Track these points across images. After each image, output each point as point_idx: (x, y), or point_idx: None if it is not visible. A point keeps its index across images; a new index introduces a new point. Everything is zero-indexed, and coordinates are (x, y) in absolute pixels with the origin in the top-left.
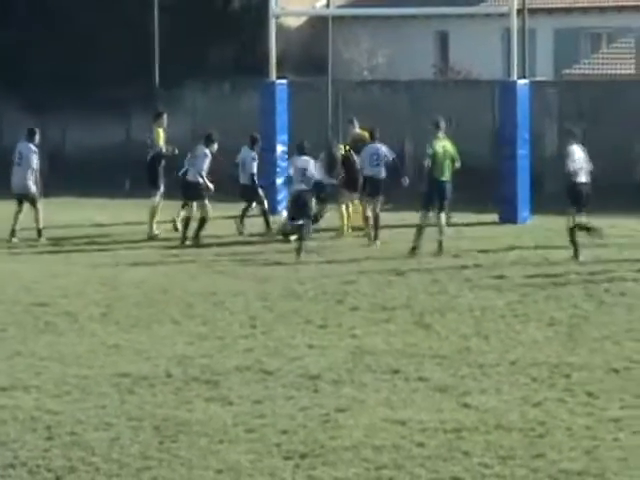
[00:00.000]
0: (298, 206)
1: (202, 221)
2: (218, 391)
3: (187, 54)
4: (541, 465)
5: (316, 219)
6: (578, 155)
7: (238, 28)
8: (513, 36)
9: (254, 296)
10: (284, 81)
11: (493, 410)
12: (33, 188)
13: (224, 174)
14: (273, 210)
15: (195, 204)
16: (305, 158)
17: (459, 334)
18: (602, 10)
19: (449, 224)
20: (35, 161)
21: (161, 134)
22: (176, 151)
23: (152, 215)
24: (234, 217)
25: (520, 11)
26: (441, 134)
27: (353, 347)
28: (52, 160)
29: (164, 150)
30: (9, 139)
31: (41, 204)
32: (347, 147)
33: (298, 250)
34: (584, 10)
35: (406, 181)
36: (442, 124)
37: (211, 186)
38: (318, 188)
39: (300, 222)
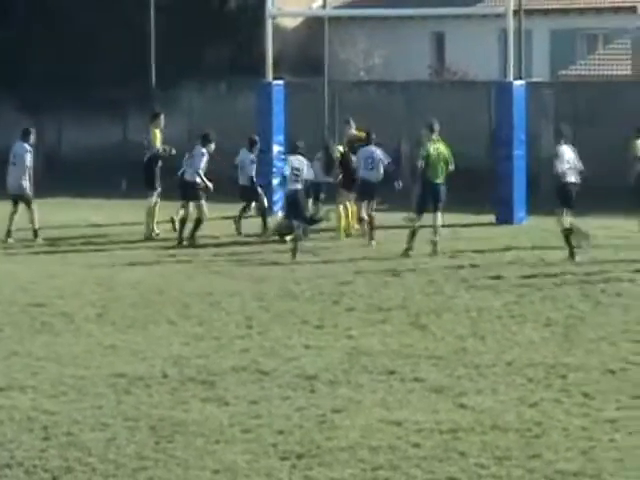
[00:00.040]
0: (293, 205)
1: (198, 221)
2: (214, 391)
3: (183, 54)
4: (537, 466)
5: (314, 220)
6: (568, 155)
7: (234, 29)
8: (509, 37)
9: (250, 296)
10: (280, 82)
11: (489, 411)
12: (28, 189)
13: (222, 174)
14: (269, 210)
15: (192, 204)
16: (299, 158)
17: (455, 335)
18: (598, 11)
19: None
20: (29, 160)
21: (158, 135)
22: (173, 151)
23: (149, 215)
24: (233, 217)
25: (516, 12)
26: (435, 136)
27: (349, 348)
28: (48, 160)
29: (161, 151)
30: (5, 140)
31: (36, 205)
32: (344, 147)
33: (294, 251)
34: (580, 11)
35: (399, 185)
36: (436, 126)
37: (210, 185)
38: (316, 188)
39: (296, 222)
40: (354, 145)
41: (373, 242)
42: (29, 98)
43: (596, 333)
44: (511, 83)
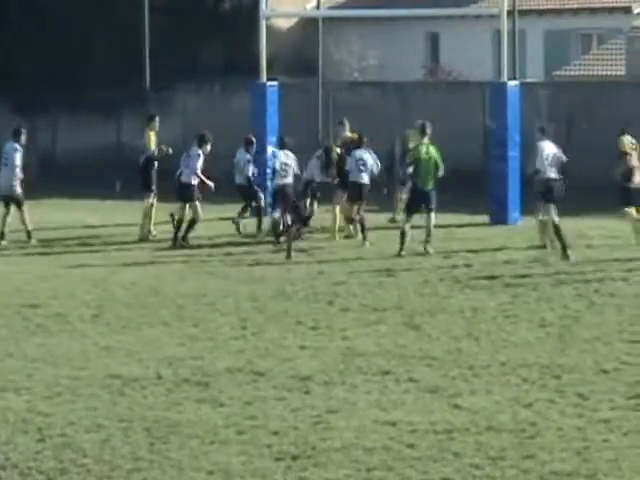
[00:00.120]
0: (282, 199)
1: (192, 222)
2: (209, 392)
3: (178, 55)
4: (532, 466)
5: (308, 218)
6: (548, 151)
7: (229, 29)
8: (503, 37)
9: (245, 297)
10: (275, 82)
11: (484, 411)
12: (19, 190)
13: (218, 175)
14: (265, 211)
15: (186, 205)
16: (287, 153)
17: (450, 335)
18: (592, 11)
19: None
20: (18, 160)
21: (152, 138)
22: (170, 151)
23: (145, 217)
24: (231, 218)
25: (510, 12)
26: (427, 139)
27: (344, 348)
28: (43, 162)
29: (156, 153)
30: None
31: (26, 206)
32: (340, 149)
33: (288, 251)
34: (574, 11)
35: (386, 192)
36: (428, 129)
37: (211, 184)
38: (312, 187)
39: (289, 217)
40: (348, 147)
41: (367, 243)
42: (23, 100)
43: (590, 333)
44: (505, 83)
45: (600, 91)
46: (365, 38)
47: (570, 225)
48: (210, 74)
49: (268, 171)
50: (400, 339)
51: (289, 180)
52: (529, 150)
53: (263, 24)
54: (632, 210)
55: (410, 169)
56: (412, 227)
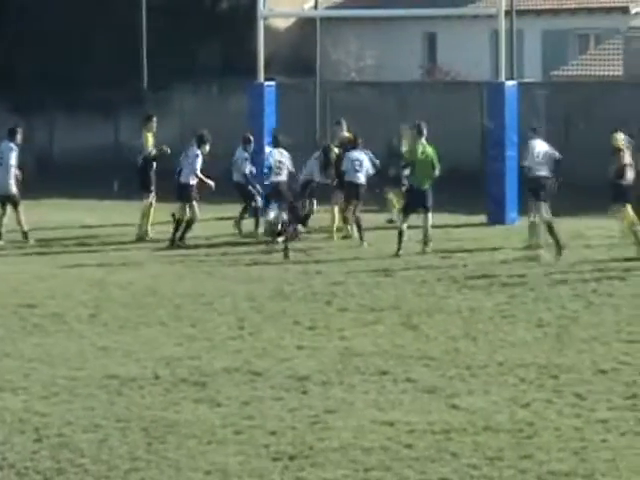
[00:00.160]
0: (276, 196)
1: (189, 223)
2: (206, 392)
3: (175, 55)
4: (529, 466)
5: (307, 217)
6: (538, 150)
7: (226, 30)
8: (501, 37)
9: (242, 297)
10: (272, 82)
11: (481, 411)
12: (14, 189)
13: (216, 175)
14: (268, 205)
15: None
16: (282, 151)
17: (447, 335)
18: (590, 11)
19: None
20: (13, 159)
21: (150, 138)
22: (169, 150)
23: (143, 217)
24: (233, 219)
25: (508, 12)
26: (423, 140)
27: (342, 348)
28: (41, 162)
29: (154, 152)
30: None
31: (22, 206)
32: (337, 148)
33: (285, 251)
34: (572, 11)
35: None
36: (425, 130)
37: (211, 183)
38: (311, 187)
39: (285, 216)
40: (346, 147)
41: (364, 243)
42: (21, 99)
43: (588, 333)
44: (503, 83)
45: (598, 91)
46: (362, 38)
47: (567, 225)
48: (208, 74)
49: (265, 171)
50: (398, 339)
51: (283, 178)
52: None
53: (261, 24)
54: (628, 208)
55: (406, 171)
56: (410, 227)
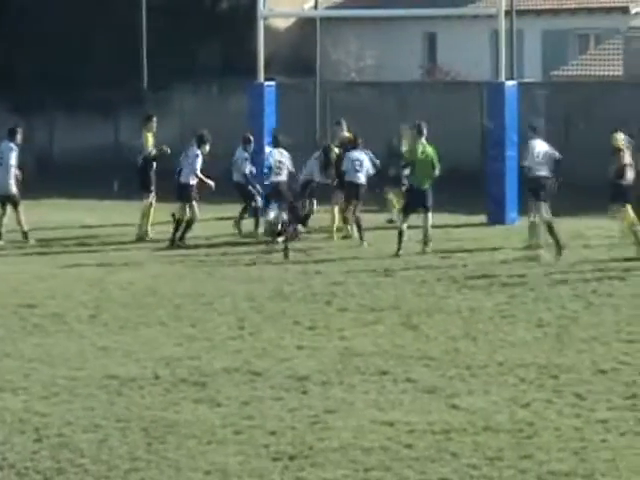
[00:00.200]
0: (276, 196)
1: (189, 223)
2: (206, 392)
3: (175, 56)
4: (529, 466)
5: (307, 216)
6: (538, 150)
7: (226, 30)
8: (501, 37)
9: (242, 297)
10: (272, 83)
11: (481, 411)
12: (14, 189)
13: (216, 175)
14: (268, 205)
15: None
16: (281, 151)
17: (447, 335)
18: (590, 11)
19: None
20: (13, 159)
21: (150, 138)
22: (168, 150)
23: (143, 217)
24: (233, 219)
25: (508, 12)
26: (423, 140)
27: (342, 348)
28: (40, 162)
29: (154, 153)
30: None
31: (22, 206)
32: (338, 148)
33: (285, 251)
34: (572, 11)
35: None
36: (425, 129)
37: (211, 183)
38: (311, 187)
39: (285, 215)
40: (346, 147)
41: (364, 242)
42: (21, 99)
43: (588, 333)
44: (503, 83)
45: (598, 91)
46: (362, 38)
47: (567, 225)
48: (208, 74)
49: (265, 170)
50: (398, 339)
51: (283, 178)
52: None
53: (261, 24)
54: (628, 208)
55: (406, 171)
56: (410, 227)
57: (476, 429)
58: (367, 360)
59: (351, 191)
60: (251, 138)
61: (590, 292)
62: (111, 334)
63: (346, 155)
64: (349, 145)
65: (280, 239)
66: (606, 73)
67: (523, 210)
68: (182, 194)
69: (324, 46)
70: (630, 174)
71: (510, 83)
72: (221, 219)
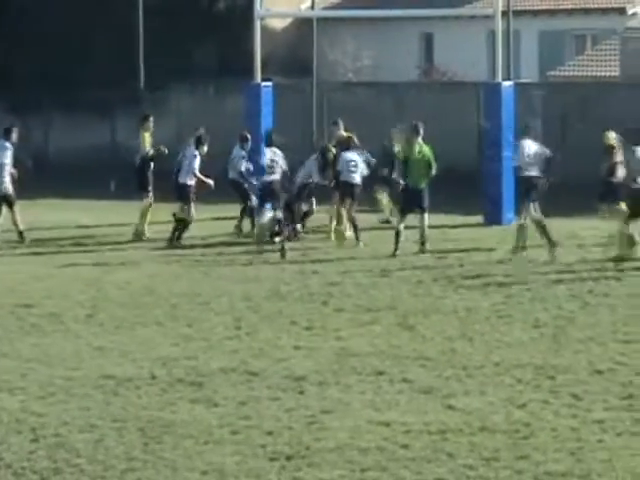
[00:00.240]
0: (269, 195)
1: (185, 224)
2: (203, 392)
3: (172, 56)
4: (525, 467)
5: (306, 214)
6: (529, 150)
7: (223, 30)
8: (498, 38)
9: (239, 297)
10: (269, 83)
11: (477, 412)
12: (9, 188)
13: (212, 175)
14: (262, 205)
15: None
16: (275, 150)
17: (444, 336)
18: (587, 12)
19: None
20: (8, 158)
21: (147, 138)
22: (166, 151)
23: (142, 216)
24: (235, 225)
25: (505, 13)
26: (420, 139)
27: (338, 349)
28: (37, 161)
29: (151, 153)
30: None
31: (19, 206)
32: (335, 148)
33: (282, 251)
34: (569, 12)
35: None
36: (422, 130)
37: (210, 182)
38: (309, 188)
39: (280, 215)
40: (342, 147)
41: (361, 243)
42: (17, 99)
43: (584, 334)
44: (500, 84)
45: (594, 92)
46: (359, 38)
47: (563, 225)
48: (204, 74)
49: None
50: (394, 339)
51: (276, 177)
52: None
53: (257, 24)
54: (622, 205)
55: (395, 173)
56: (406, 227)
57: (472, 429)
58: (363, 360)
59: (346, 191)
60: (248, 136)
61: (586, 292)
62: (108, 334)
63: (340, 156)
64: (343, 145)
65: (277, 239)
66: (603, 74)
67: (519, 210)
68: (179, 194)
69: (321, 46)
70: (621, 172)
71: (507, 83)
72: (217, 219)
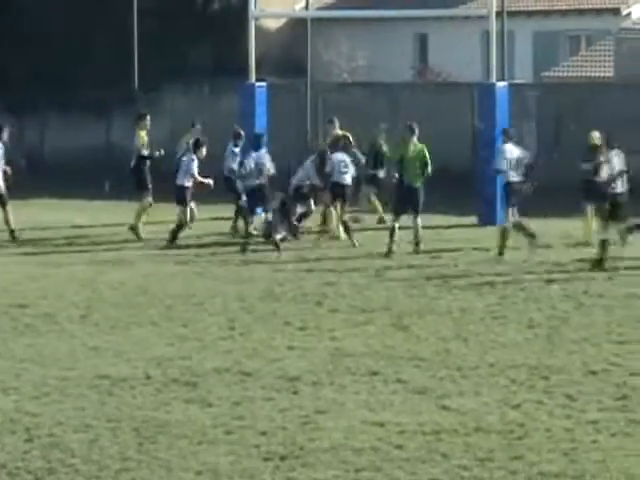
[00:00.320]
0: (257, 199)
1: (180, 225)
2: (197, 393)
3: (167, 56)
4: (520, 467)
5: (303, 216)
6: (510, 154)
7: (218, 30)
8: (492, 38)
9: (233, 297)
10: (264, 83)
11: (472, 412)
12: (3, 188)
13: (206, 175)
14: (253, 210)
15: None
16: (261, 153)
17: (438, 336)
18: (581, 13)
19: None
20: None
21: (144, 137)
22: (162, 152)
23: (137, 215)
24: (222, 217)
25: (499, 13)
26: (415, 139)
27: (332, 349)
28: (32, 162)
29: (147, 153)
30: None
31: (11, 205)
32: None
33: (276, 245)
34: (563, 13)
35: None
36: (417, 129)
37: (210, 181)
38: (307, 189)
39: (271, 218)
40: (334, 147)
41: (356, 243)
42: (13, 99)
43: (579, 334)
44: (494, 84)
45: (588, 92)
46: (354, 39)
47: (557, 225)
48: (199, 75)
49: (243, 172)
50: (388, 340)
51: (263, 181)
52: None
53: (252, 25)
54: (605, 206)
55: (382, 172)
56: (400, 228)
57: (467, 430)
58: (358, 361)
59: (338, 191)
60: (241, 133)
61: (581, 293)
62: (102, 334)
63: (331, 157)
64: (334, 145)
65: (278, 237)
66: (597, 74)
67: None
68: (178, 196)
69: (315, 47)
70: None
71: (501, 84)
72: (213, 219)
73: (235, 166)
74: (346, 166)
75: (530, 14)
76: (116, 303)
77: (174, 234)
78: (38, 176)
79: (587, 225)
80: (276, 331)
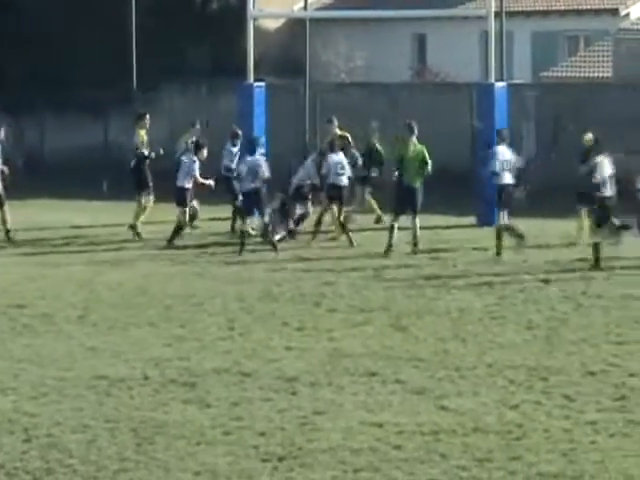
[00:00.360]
0: (255, 203)
1: (180, 226)
2: (196, 393)
3: (165, 56)
4: (518, 467)
5: (302, 217)
6: (503, 157)
7: (216, 30)
8: (491, 39)
9: (232, 298)
10: (262, 83)
11: (470, 413)
12: (0, 188)
13: (205, 175)
14: (249, 212)
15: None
16: (256, 157)
17: (436, 337)
18: (579, 13)
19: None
20: None
21: (143, 136)
22: (161, 151)
23: (136, 215)
24: (222, 218)
25: (498, 14)
26: (415, 138)
27: (331, 349)
28: (30, 162)
29: (146, 152)
30: None
31: (8, 205)
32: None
33: (273, 245)
34: (561, 13)
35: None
36: (416, 129)
37: (211, 182)
38: (307, 188)
39: (267, 220)
40: (330, 148)
41: (354, 243)
42: (10, 99)
43: (577, 335)
44: (492, 85)
45: (587, 92)
46: (352, 39)
47: (556, 226)
48: (197, 75)
49: (242, 176)
50: (387, 340)
51: (258, 185)
52: (516, 151)
53: (250, 25)
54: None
55: (374, 172)
56: (399, 229)
57: (465, 430)
58: (356, 361)
59: (334, 193)
60: (239, 132)
61: (579, 294)
62: (100, 334)
63: (327, 158)
64: (330, 146)
65: (278, 236)
66: (595, 74)
67: (513, 212)
68: (178, 197)
69: (314, 47)
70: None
71: (500, 84)
72: (213, 219)
73: (233, 165)
74: (342, 168)
75: (529, 14)
76: (114, 303)
77: (174, 235)
78: (36, 176)
79: (579, 226)
80: (274, 331)
